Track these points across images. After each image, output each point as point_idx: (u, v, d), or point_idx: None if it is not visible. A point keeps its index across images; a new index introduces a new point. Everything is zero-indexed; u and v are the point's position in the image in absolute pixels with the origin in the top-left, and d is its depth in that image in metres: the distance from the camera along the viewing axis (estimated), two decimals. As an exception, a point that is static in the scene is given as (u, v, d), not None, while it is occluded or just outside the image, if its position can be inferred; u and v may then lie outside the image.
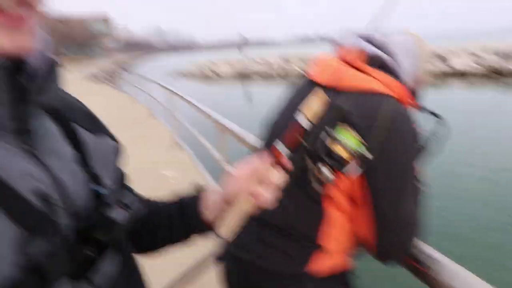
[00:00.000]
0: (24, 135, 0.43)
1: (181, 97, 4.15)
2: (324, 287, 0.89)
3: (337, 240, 0.89)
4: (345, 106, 0.81)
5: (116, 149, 0.59)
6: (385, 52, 0.89)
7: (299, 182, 0.85)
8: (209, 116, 2.70)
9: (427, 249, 0.86)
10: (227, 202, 0.63)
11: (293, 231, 0.89)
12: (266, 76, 27.69)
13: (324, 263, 0.88)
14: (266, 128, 1.03)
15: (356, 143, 0.79)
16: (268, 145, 0.97)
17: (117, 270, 0.50)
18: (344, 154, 0.79)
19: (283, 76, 26.98)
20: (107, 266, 0.48)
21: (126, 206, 0.54)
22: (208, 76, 29.92)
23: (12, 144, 0.42)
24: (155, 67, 51.40)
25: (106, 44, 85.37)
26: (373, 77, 0.85)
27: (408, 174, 0.84)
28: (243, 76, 27.90)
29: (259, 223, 0.91)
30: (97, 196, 0.50)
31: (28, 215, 0.39)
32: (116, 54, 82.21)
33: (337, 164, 0.79)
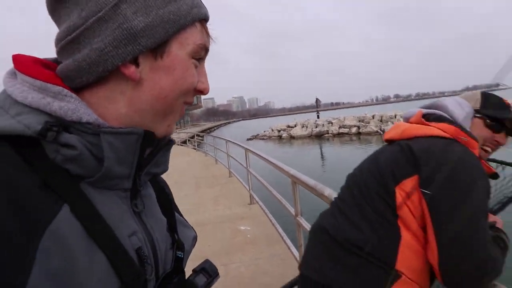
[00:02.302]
0: (135, 196, 0.48)
1: (255, 153, 4.43)
2: None
3: (413, 267, 0.91)
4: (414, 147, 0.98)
5: (195, 239, 0.63)
6: (437, 109, 1.10)
7: (367, 199, 0.98)
8: (281, 169, 2.86)
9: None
10: None
11: (370, 249, 0.93)
12: (340, 136, 27.45)
13: None
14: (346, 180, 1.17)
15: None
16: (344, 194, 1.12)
17: None
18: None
19: (357, 135, 26.44)
20: None
21: (207, 273, 0.58)
22: (282, 138, 30.85)
23: (124, 202, 0.47)
24: (235, 132, 55.21)
25: (194, 113, 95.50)
26: (432, 126, 1.03)
27: (469, 201, 0.87)
28: (317, 136, 28.11)
29: (331, 240, 1.01)
30: (177, 261, 0.53)
31: (129, 272, 0.42)
32: (202, 122, 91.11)
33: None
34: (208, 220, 4.60)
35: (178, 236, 0.56)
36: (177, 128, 54.61)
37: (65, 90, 0.43)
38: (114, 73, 0.44)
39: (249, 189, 5.24)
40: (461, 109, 1.08)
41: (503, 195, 1.21)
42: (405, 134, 1.04)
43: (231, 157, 7.06)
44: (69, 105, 0.42)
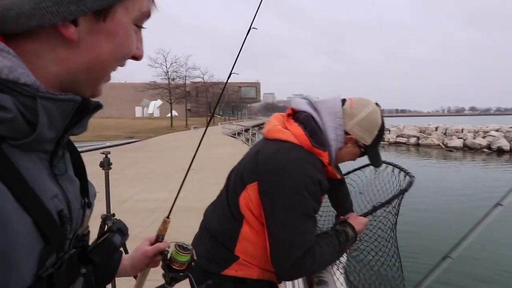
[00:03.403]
0: (54, 159, 0.47)
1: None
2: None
3: (249, 253, 1.16)
4: None
5: (95, 195, 0.63)
6: (314, 108, 1.19)
7: (228, 198, 1.21)
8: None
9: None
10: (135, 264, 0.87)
11: (220, 239, 1.20)
12: (397, 145, 26.07)
13: (239, 271, 1.16)
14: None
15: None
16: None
17: None
18: None
19: (416, 146, 24.87)
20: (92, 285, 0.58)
21: (122, 232, 0.62)
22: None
23: (44, 165, 0.46)
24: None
25: (252, 107, 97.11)
26: (289, 130, 1.15)
27: (288, 204, 1.07)
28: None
29: (204, 229, 1.27)
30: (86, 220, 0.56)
31: (53, 232, 0.43)
32: (259, 116, 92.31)
33: None
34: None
35: (89, 198, 0.57)
36: (233, 120, 56.18)
37: (2, 44, 0.39)
38: (47, 28, 0.41)
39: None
40: (333, 121, 1.16)
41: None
42: (268, 135, 1.20)
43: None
44: (5, 62, 0.39)
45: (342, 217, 1.33)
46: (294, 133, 1.13)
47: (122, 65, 0.50)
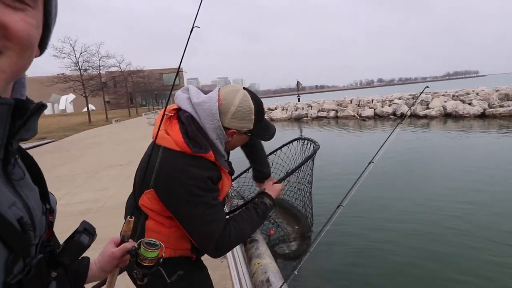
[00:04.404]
0: (7, 166, 0.47)
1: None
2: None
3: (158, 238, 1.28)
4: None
5: (56, 203, 0.63)
6: (194, 105, 1.25)
7: (135, 195, 1.30)
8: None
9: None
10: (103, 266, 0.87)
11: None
12: (319, 119, 28.04)
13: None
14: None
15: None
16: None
17: None
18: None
19: (335, 119, 27.07)
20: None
21: (89, 233, 0.63)
22: (264, 121, 31.05)
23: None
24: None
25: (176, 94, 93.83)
26: (170, 136, 1.20)
27: (187, 206, 1.19)
28: (296, 119, 28.64)
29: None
30: (50, 225, 0.55)
31: (15, 240, 0.44)
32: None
33: None
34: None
35: (50, 203, 0.58)
36: (158, 109, 53.70)
37: None
38: None
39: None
40: (211, 123, 1.22)
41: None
42: (158, 141, 1.24)
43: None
44: None
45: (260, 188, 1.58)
46: (175, 140, 1.20)
47: None
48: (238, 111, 1.25)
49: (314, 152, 1.63)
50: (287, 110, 32.07)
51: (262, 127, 1.34)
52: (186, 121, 1.23)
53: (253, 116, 1.28)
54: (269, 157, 1.79)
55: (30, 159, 0.58)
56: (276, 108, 33.57)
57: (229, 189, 1.41)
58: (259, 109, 1.30)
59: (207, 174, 1.20)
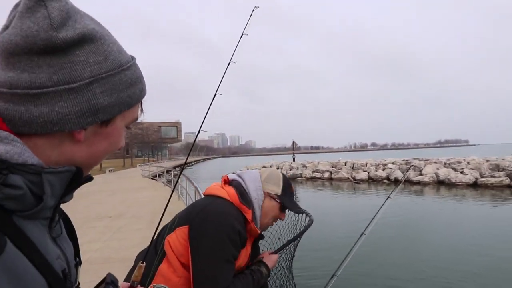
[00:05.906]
0: (51, 223, 0.54)
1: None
2: None
3: (169, 284, 1.30)
4: None
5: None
6: (240, 177, 1.54)
7: (157, 240, 1.38)
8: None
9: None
10: None
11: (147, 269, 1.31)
12: (313, 180, 28.03)
13: None
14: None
15: None
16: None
17: None
18: None
19: (329, 180, 27.08)
20: None
21: (115, 285, 0.68)
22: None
23: (45, 230, 0.52)
24: (212, 168, 54.86)
25: (172, 147, 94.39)
26: (224, 189, 1.45)
27: (212, 247, 1.27)
28: (291, 179, 28.60)
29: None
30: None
31: None
32: (182, 156, 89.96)
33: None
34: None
35: (80, 257, 0.65)
36: (153, 161, 53.83)
37: (12, 135, 0.48)
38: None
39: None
40: (253, 185, 1.51)
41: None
42: (207, 192, 1.51)
43: (189, 194, 7.33)
44: (15, 149, 0.47)
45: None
46: (228, 192, 1.45)
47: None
48: (270, 176, 1.56)
49: (309, 226, 1.68)
50: (282, 169, 32.20)
51: (291, 199, 1.57)
52: (236, 184, 1.50)
53: (281, 183, 1.55)
54: None
55: (66, 216, 0.65)
56: (271, 166, 33.75)
57: (243, 265, 1.47)
58: (286, 179, 1.59)
59: (239, 227, 1.35)
